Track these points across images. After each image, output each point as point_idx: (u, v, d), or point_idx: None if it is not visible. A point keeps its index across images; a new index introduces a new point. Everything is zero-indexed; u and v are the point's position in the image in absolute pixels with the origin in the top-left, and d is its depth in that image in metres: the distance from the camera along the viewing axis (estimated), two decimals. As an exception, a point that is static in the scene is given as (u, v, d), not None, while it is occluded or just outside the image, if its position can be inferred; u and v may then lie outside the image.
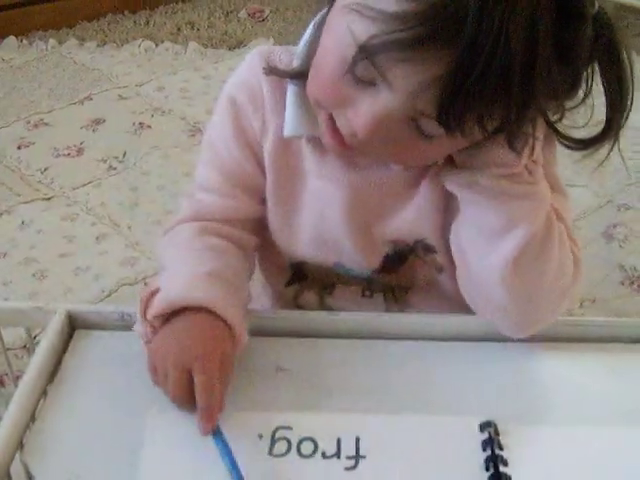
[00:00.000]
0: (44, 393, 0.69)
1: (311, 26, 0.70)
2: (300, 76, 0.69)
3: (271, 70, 0.73)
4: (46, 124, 2.02)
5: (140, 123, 2.03)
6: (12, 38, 2.43)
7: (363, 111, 0.60)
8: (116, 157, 1.88)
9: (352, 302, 0.83)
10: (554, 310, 0.73)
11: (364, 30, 0.56)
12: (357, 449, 0.64)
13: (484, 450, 0.64)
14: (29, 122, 2.03)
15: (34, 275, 1.51)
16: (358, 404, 0.68)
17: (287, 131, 0.73)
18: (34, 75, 2.26)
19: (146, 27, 2.57)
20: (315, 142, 0.73)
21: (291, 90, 0.72)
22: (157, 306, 0.67)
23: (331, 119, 0.64)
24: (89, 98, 2.14)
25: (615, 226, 1.65)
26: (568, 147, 0.67)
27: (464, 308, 0.76)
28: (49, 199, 1.74)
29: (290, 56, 0.73)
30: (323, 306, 0.84)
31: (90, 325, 0.75)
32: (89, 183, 1.78)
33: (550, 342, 0.74)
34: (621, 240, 1.61)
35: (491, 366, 0.72)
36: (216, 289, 0.69)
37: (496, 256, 0.69)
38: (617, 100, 0.62)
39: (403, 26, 0.54)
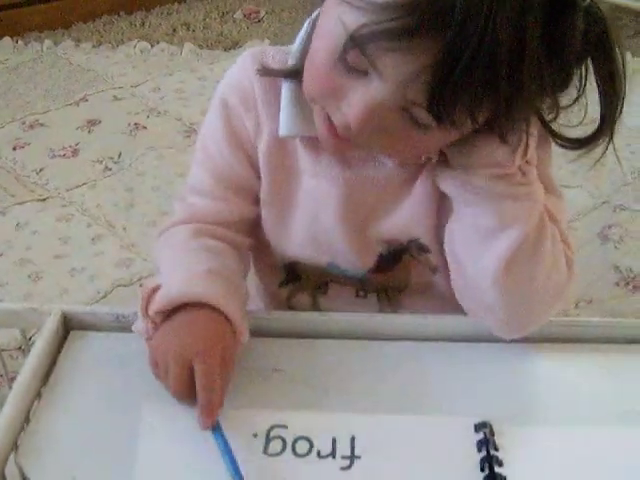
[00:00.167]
0: (39, 394, 0.69)
1: (306, 24, 0.70)
2: (295, 74, 0.69)
3: (266, 71, 0.73)
4: (41, 125, 2.02)
5: (135, 124, 2.02)
6: (7, 39, 2.43)
7: (356, 101, 0.60)
8: (111, 158, 1.88)
9: (346, 302, 0.83)
10: (546, 311, 0.72)
11: (354, 20, 0.57)
12: (352, 449, 0.64)
13: (479, 451, 0.64)
14: (24, 123, 2.02)
15: (29, 276, 1.51)
16: (353, 404, 0.68)
17: (282, 131, 0.73)
18: (29, 76, 2.26)
19: (142, 28, 2.57)
20: (310, 141, 0.73)
21: (286, 90, 0.72)
22: (159, 302, 0.67)
23: (326, 114, 0.64)
24: (84, 99, 2.14)
25: (610, 227, 1.65)
26: (563, 146, 0.67)
27: (458, 309, 0.76)
28: (44, 200, 1.73)
29: (284, 55, 0.73)
30: (316, 308, 0.84)
31: (85, 326, 0.75)
32: (84, 184, 1.78)
33: (545, 343, 0.74)
34: (616, 241, 1.61)
35: (486, 367, 0.72)
36: (216, 286, 0.69)
37: (489, 257, 0.69)
38: (611, 95, 0.62)
39: (392, 16, 0.54)
